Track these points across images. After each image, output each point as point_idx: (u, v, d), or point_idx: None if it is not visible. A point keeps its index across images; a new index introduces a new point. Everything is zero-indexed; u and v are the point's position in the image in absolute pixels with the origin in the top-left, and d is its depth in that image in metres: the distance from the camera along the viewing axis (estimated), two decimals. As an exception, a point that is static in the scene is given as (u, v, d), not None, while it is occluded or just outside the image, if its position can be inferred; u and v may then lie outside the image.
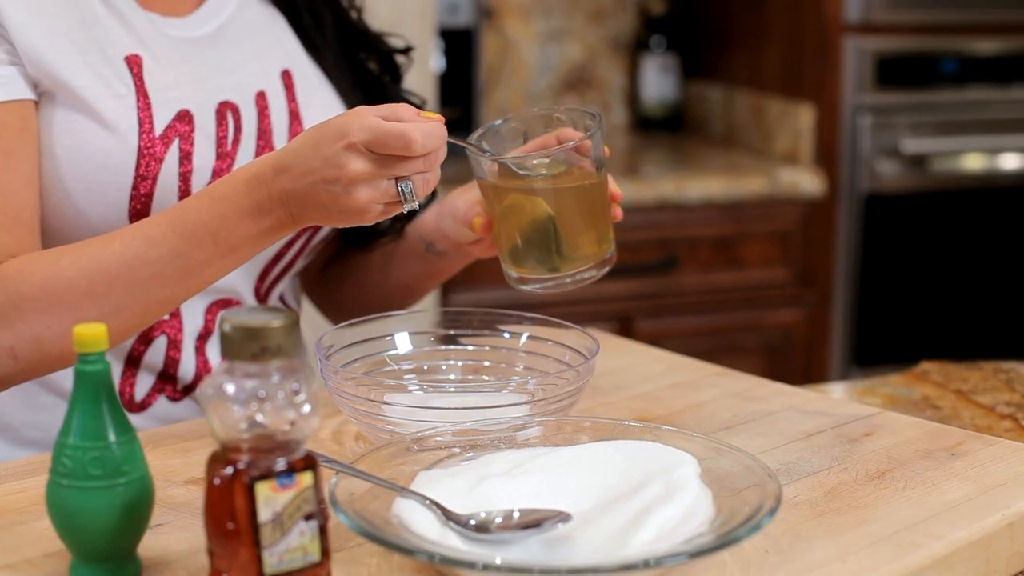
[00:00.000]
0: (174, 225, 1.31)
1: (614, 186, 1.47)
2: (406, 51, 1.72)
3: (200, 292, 1.37)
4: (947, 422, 1.52)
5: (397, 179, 1.25)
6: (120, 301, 1.32)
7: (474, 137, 1.43)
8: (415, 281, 1.70)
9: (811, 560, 1.06)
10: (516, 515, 1.06)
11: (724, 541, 1.00)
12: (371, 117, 1.23)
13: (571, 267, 1.42)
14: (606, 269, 1.45)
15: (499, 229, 1.44)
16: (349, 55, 1.67)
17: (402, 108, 1.26)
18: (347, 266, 1.75)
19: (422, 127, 1.23)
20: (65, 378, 1.48)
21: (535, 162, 1.40)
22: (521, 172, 1.40)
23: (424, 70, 2.77)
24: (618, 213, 1.48)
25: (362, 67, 1.69)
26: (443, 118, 1.27)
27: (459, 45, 3.30)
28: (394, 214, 1.28)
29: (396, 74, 1.72)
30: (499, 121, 1.46)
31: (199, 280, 1.33)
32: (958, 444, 1.33)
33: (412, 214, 1.71)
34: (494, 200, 1.43)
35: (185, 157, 1.45)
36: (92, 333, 1.01)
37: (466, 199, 1.53)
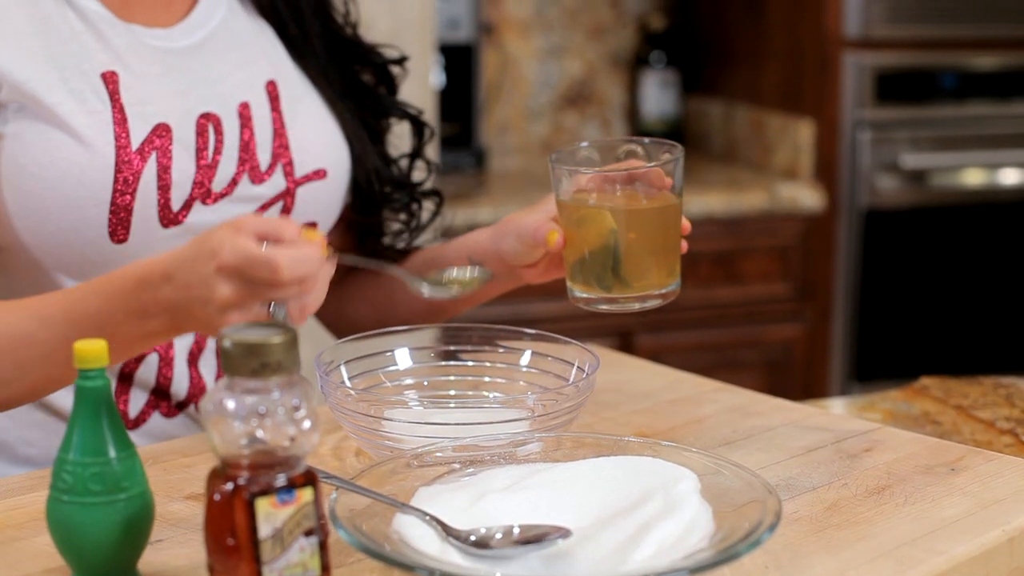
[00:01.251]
0: (65, 311, 1.29)
1: (684, 219, 1.47)
2: (401, 61, 1.72)
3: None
4: (947, 437, 1.52)
5: (272, 302, 1.20)
6: (8, 374, 1.31)
7: (554, 156, 1.43)
8: (449, 302, 1.68)
9: (811, 576, 1.06)
10: (516, 531, 1.06)
11: (724, 557, 1.00)
12: (243, 239, 1.18)
13: (629, 290, 1.43)
14: (669, 300, 1.45)
15: (571, 246, 1.44)
16: (340, 66, 1.67)
17: (285, 227, 1.20)
18: (370, 282, 1.74)
19: (291, 253, 1.17)
20: (57, 396, 1.48)
21: (611, 180, 1.41)
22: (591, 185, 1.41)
23: (424, 86, 2.78)
24: (684, 246, 1.48)
25: (355, 79, 1.68)
26: (324, 239, 1.22)
27: (459, 61, 3.31)
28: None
29: (391, 85, 1.72)
30: (583, 144, 1.46)
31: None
32: (958, 459, 1.33)
33: (418, 229, 1.71)
34: (569, 216, 1.43)
35: (163, 170, 1.45)
36: (92, 349, 1.01)
37: (535, 218, 1.49)
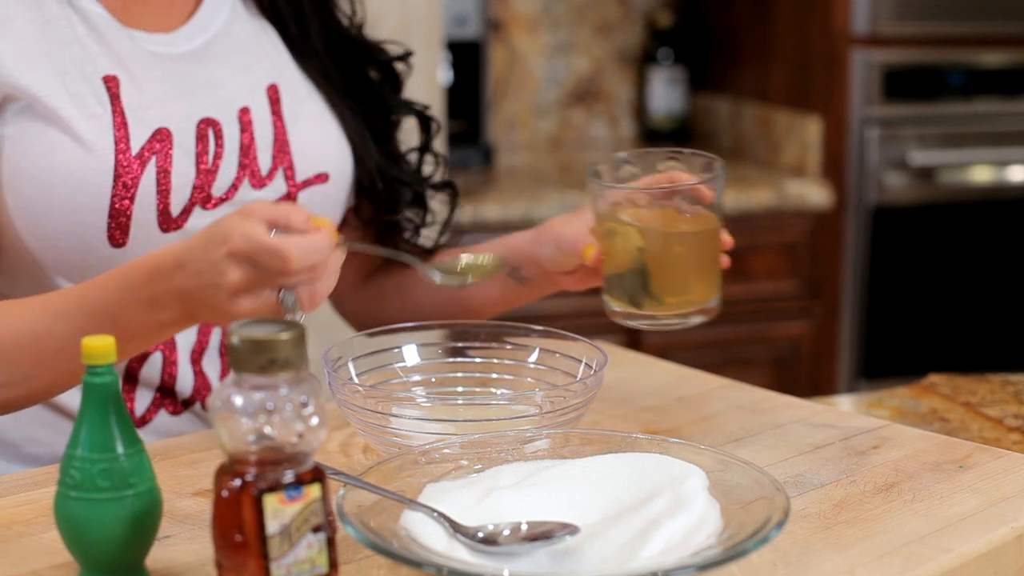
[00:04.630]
0: (81, 303, 1.30)
1: (725, 234, 1.45)
2: (404, 57, 1.72)
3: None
4: (955, 434, 1.52)
5: (282, 288, 1.22)
6: (28, 370, 1.32)
7: (591, 169, 1.41)
8: (485, 306, 1.68)
9: (819, 573, 1.06)
10: (524, 527, 1.06)
11: (732, 554, 1.00)
12: (253, 224, 1.19)
13: (663, 308, 1.41)
14: (709, 317, 1.42)
15: (606, 261, 1.43)
16: (342, 65, 1.66)
17: (294, 214, 1.21)
18: (397, 283, 1.73)
19: (300, 242, 1.18)
20: (64, 394, 1.48)
21: (645, 196, 1.39)
22: (637, 203, 1.39)
23: (431, 82, 2.78)
24: (725, 261, 1.45)
25: (360, 77, 1.68)
26: (333, 226, 1.23)
27: (466, 57, 3.31)
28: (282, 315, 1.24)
29: (396, 82, 1.71)
30: (621, 155, 1.45)
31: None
32: (966, 456, 1.33)
33: (443, 224, 1.70)
34: (602, 231, 1.42)
35: (163, 175, 1.44)
36: (100, 346, 1.01)
37: (574, 228, 1.51)
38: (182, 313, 1.26)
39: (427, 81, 2.73)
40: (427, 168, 1.74)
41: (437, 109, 2.81)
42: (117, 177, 1.41)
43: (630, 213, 1.39)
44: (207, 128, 1.49)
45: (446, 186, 1.74)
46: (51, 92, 1.41)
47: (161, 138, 1.45)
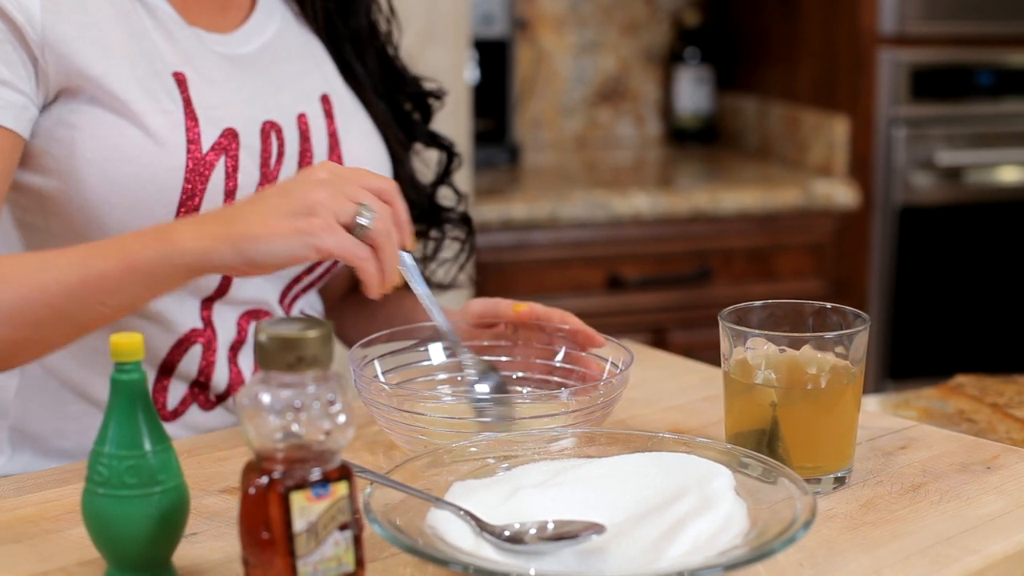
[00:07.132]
0: (98, 241, 1.31)
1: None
2: (440, 96, 1.76)
3: (114, 322, 1.34)
4: (982, 435, 1.51)
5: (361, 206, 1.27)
6: (13, 304, 1.28)
7: (725, 312, 1.31)
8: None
9: (845, 574, 1.06)
10: (550, 526, 1.06)
11: (758, 554, 1.00)
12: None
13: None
14: (837, 487, 1.26)
15: (729, 415, 1.31)
16: (386, 89, 1.70)
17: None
18: (369, 307, 1.75)
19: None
20: (95, 386, 1.49)
21: (780, 345, 1.27)
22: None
23: (458, 81, 2.78)
24: None
25: (396, 103, 1.72)
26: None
27: (493, 56, 3.31)
28: (338, 244, 1.24)
29: (427, 114, 1.75)
30: (757, 303, 1.34)
31: (99, 295, 1.28)
32: (993, 458, 1.33)
33: (464, 259, 1.75)
34: (729, 382, 1.30)
35: (230, 175, 1.45)
36: (128, 343, 1.01)
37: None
38: (202, 232, 1.26)
39: (454, 80, 2.74)
40: (446, 202, 1.78)
41: (464, 108, 2.81)
42: (188, 173, 1.42)
43: (762, 361, 1.27)
44: (271, 131, 1.52)
45: (463, 222, 1.77)
46: (124, 84, 1.41)
47: (229, 138, 1.46)
